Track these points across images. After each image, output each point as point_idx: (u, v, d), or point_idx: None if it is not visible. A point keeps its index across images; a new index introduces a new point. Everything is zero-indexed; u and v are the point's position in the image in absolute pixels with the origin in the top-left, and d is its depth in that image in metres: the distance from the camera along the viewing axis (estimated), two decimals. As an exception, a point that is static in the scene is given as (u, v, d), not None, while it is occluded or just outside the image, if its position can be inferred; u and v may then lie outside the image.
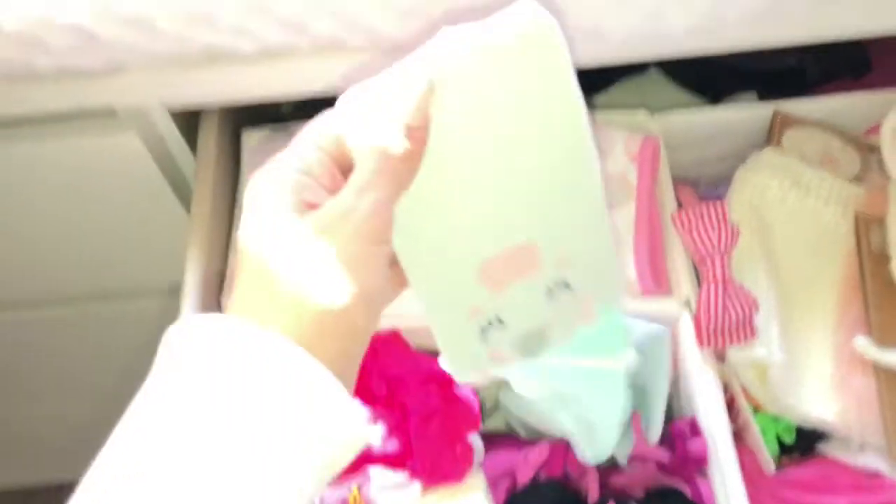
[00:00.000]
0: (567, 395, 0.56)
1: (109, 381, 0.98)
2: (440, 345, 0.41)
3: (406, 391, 0.57)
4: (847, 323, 0.65)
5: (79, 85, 0.62)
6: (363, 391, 0.60)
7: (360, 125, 0.33)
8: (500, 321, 0.40)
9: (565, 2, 0.54)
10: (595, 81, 0.84)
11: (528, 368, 0.45)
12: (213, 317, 0.31)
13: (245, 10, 0.55)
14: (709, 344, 0.61)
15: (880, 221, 0.68)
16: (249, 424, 0.29)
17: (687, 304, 0.64)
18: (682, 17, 0.57)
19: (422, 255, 0.37)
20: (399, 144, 0.32)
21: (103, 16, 0.54)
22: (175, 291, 0.65)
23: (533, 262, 0.39)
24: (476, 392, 0.59)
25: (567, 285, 0.41)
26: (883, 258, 0.66)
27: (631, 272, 0.65)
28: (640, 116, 0.73)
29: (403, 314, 0.61)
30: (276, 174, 0.32)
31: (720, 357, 0.64)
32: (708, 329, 0.61)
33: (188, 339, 0.30)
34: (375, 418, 0.57)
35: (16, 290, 0.87)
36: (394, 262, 0.36)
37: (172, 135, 0.70)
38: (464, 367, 0.42)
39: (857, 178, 0.71)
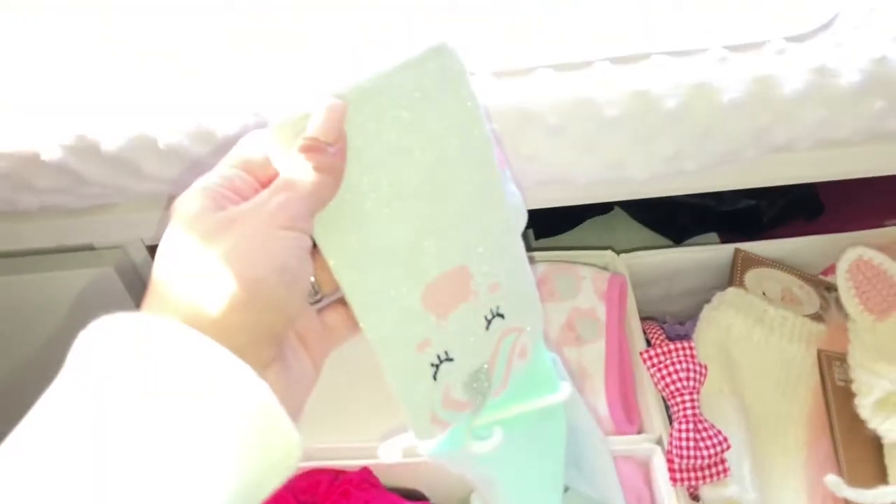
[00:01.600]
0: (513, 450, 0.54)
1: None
2: (395, 393, 0.41)
3: (378, 533, 0.56)
4: (817, 459, 0.66)
5: (60, 223, 0.64)
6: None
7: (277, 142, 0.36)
8: (448, 356, 0.41)
9: (537, 152, 0.58)
10: (562, 222, 0.88)
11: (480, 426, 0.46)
12: (116, 316, 0.31)
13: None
14: (682, 482, 0.61)
15: (842, 358, 0.70)
16: (151, 410, 0.29)
17: (659, 441, 0.64)
18: (642, 168, 0.60)
19: (367, 285, 0.38)
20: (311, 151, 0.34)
21: (87, 155, 0.56)
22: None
23: (467, 286, 0.41)
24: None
25: (501, 315, 0.43)
26: (848, 394, 0.67)
27: (603, 409, 0.66)
28: (608, 256, 0.76)
29: (373, 454, 0.61)
30: (201, 183, 0.34)
31: (694, 497, 0.64)
32: (680, 467, 0.61)
33: (90, 339, 0.30)
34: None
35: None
36: (343, 303, 0.38)
37: (149, 268, 0.71)
38: (421, 417, 0.42)
39: (818, 316, 0.74)
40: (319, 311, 0.39)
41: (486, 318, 0.42)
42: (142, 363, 0.30)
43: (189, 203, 0.34)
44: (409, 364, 0.41)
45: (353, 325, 0.39)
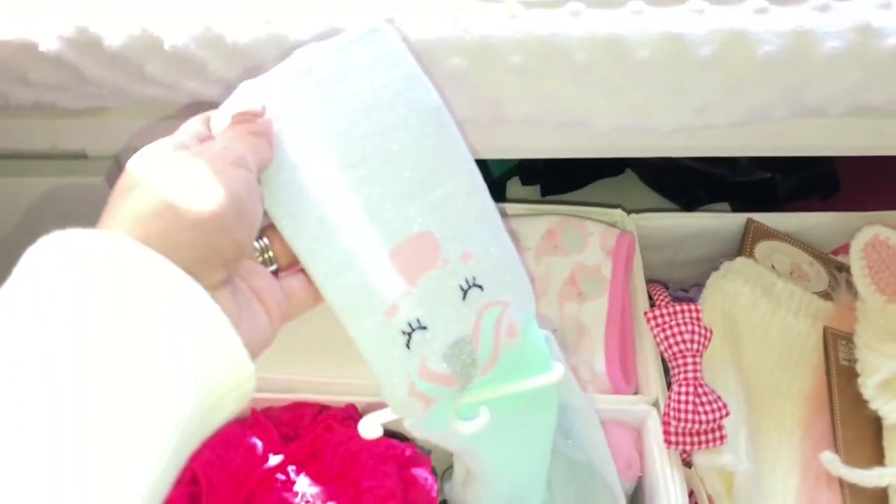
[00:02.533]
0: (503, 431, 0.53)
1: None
2: (368, 363, 0.41)
3: (361, 470, 0.54)
4: (813, 437, 0.64)
5: (53, 123, 0.61)
6: (316, 468, 0.57)
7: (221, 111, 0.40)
8: (420, 324, 0.41)
9: (559, 90, 0.55)
10: (571, 181, 0.86)
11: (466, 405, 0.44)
12: (66, 231, 0.31)
13: (236, 64, 0.54)
14: (676, 446, 0.59)
15: (848, 338, 0.68)
16: (97, 326, 0.28)
17: (655, 404, 0.63)
18: (668, 117, 0.58)
19: (325, 253, 0.40)
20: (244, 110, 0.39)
21: (88, 49, 0.53)
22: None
23: (435, 253, 0.42)
24: (434, 474, 0.56)
25: (479, 286, 0.43)
26: (851, 373, 0.65)
27: (600, 366, 0.64)
28: (617, 215, 0.73)
29: (359, 391, 0.59)
30: (157, 143, 0.37)
31: (686, 463, 0.62)
32: (677, 430, 0.59)
33: (38, 252, 0.30)
34: (327, 497, 0.54)
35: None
36: (303, 272, 0.40)
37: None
38: (397, 388, 0.42)
39: (826, 294, 0.72)
40: (279, 278, 0.40)
41: (461, 287, 0.42)
42: (89, 278, 0.29)
43: (151, 146, 0.37)
44: (377, 331, 0.41)
45: (315, 292, 0.40)
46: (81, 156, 0.65)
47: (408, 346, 0.41)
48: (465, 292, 0.42)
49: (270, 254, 0.40)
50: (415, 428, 0.44)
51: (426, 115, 0.42)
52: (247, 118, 0.39)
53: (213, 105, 0.49)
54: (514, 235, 0.70)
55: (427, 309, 0.41)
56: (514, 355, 0.44)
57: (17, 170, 0.64)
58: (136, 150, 0.36)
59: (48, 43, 0.53)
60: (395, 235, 0.41)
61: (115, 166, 0.65)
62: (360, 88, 0.41)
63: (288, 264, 0.40)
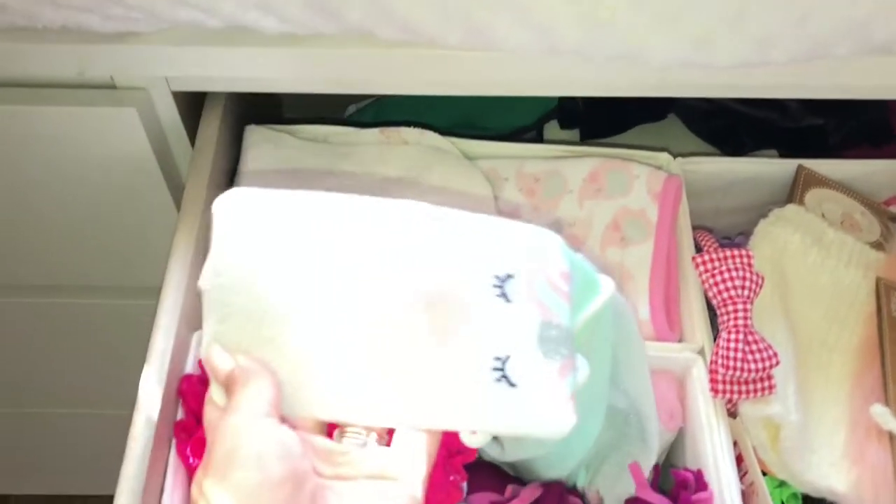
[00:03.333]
0: None
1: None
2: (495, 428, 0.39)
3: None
4: (863, 390, 0.62)
5: (82, 48, 0.58)
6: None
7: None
8: (502, 355, 0.38)
9: (614, 18, 0.52)
10: (612, 125, 0.83)
11: None
12: None
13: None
14: (723, 394, 0.57)
15: (902, 289, 0.65)
16: None
17: (701, 352, 0.60)
18: (728, 50, 0.55)
19: None
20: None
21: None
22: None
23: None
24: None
25: (509, 275, 0.39)
26: (905, 325, 0.63)
27: (644, 313, 0.62)
28: (662, 158, 0.71)
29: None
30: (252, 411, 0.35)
31: (731, 413, 0.60)
32: (724, 379, 0.57)
33: None
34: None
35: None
36: None
37: (173, 118, 0.66)
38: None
39: (878, 245, 0.69)
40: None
41: (498, 295, 0.39)
42: None
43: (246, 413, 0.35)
44: (486, 395, 0.38)
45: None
46: (110, 86, 0.63)
47: (511, 383, 0.38)
48: (504, 294, 0.39)
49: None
50: None
51: None
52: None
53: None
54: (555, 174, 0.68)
55: (493, 336, 0.38)
56: (576, 290, 0.41)
57: (44, 98, 0.62)
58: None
59: (78, -41, 0.50)
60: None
61: (146, 97, 0.63)
62: None
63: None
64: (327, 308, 0.37)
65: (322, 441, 0.38)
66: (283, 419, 0.36)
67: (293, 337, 0.37)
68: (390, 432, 0.39)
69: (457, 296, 0.38)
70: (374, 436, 0.38)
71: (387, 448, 0.38)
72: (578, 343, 0.42)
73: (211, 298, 0.37)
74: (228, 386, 0.36)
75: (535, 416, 0.38)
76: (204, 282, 0.38)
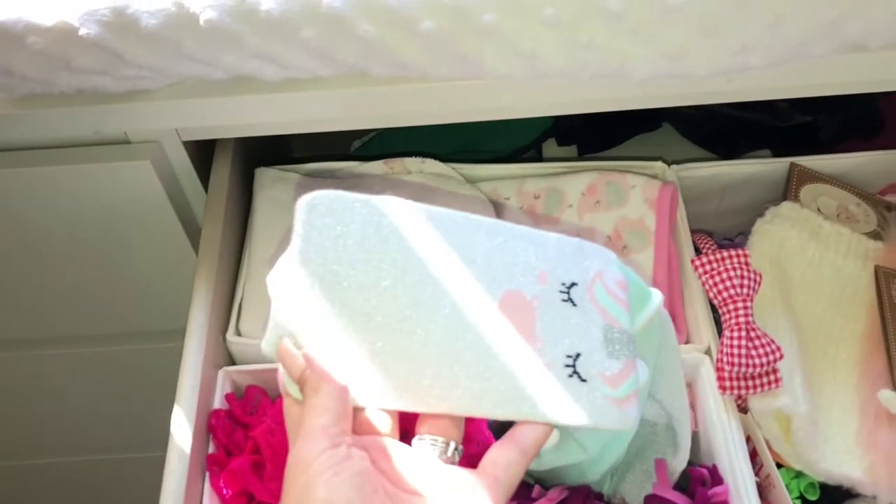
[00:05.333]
0: None
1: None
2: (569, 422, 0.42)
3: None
4: (870, 377, 0.64)
5: (96, 109, 0.62)
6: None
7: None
8: (573, 353, 0.42)
9: (595, 39, 0.55)
10: (609, 139, 0.85)
11: None
12: None
13: (272, 34, 0.55)
14: (731, 391, 0.59)
15: (901, 276, 0.67)
16: None
17: (707, 351, 0.62)
18: (705, 61, 0.57)
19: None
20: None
21: (128, 32, 0.54)
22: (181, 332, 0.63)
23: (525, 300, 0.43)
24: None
25: (573, 283, 0.44)
26: (906, 311, 0.64)
27: (649, 318, 0.64)
28: (658, 167, 0.73)
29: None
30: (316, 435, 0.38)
31: (742, 409, 0.62)
32: (730, 376, 0.59)
33: None
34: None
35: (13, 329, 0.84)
36: None
37: (185, 167, 0.69)
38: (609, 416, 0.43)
39: (875, 234, 0.71)
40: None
41: (564, 300, 0.43)
42: None
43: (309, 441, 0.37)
44: (560, 385, 0.41)
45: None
46: (124, 141, 0.66)
47: (582, 378, 0.42)
48: (570, 299, 0.43)
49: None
50: None
51: None
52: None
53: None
54: (553, 192, 0.70)
55: (564, 335, 0.42)
56: (633, 299, 0.45)
57: (62, 158, 0.66)
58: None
59: (87, 27, 0.54)
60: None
61: (159, 150, 0.66)
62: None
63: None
64: (403, 304, 0.41)
65: (396, 449, 0.39)
66: (357, 420, 0.39)
67: (369, 331, 0.40)
68: (466, 440, 0.42)
69: (530, 299, 0.42)
70: (453, 444, 0.40)
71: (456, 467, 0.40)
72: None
73: (283, 289, 0.40)
74: (301, 385, 0.39)
75: (605, 410, 0.41)
76: (277, 274, 0.41)
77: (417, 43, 0.55)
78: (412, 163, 0.73)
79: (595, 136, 0.84)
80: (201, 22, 0.53)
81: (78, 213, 0.71)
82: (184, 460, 0.54)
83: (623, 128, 0.84)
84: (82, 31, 0.54)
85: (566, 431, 0.44)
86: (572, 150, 0.85)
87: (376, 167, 0.74)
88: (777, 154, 0.82)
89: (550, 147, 0.86)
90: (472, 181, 0.73)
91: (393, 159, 0.74)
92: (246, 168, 0.75)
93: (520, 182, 0.72)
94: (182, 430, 0.55)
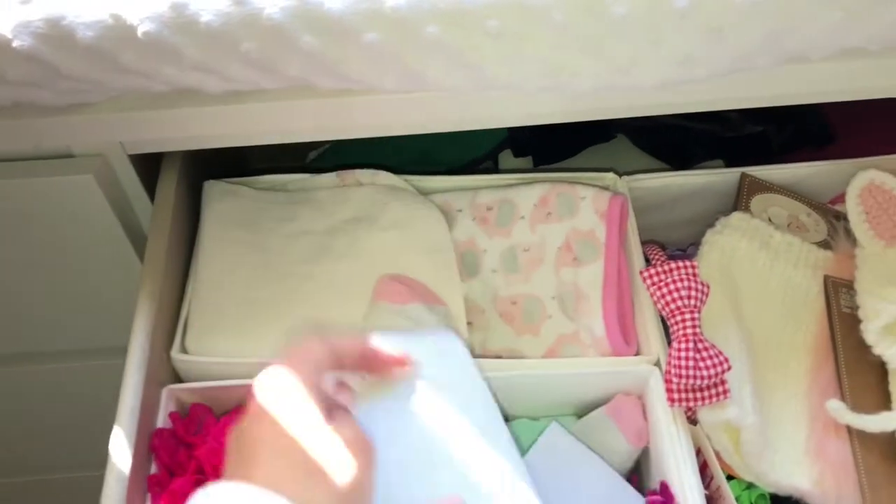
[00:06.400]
0: None
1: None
2: None
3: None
4: (820, 386, 0.64)
5: (36, 123, 0.60)
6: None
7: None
8: None
9: (540, 52, 0.55)
10: (562, 150, 0.85)
11: None
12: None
13: (212, 46, 0.54)
14: (679, 403, 0.59)
15: (849, 285, 0.67)
16: None
17: (657, 363, 0.62)
18: (650, 72, 0.57)
19: None
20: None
21: (63, 44, 0.53)
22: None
23: None
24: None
25: None
26: (853, 321, 0.65)
27: (599, 330, 0.64)
28: (609, 178, 0.73)
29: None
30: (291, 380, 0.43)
31: (692, 421, 0.62)
32: (679, 388, 0.59)
33: None
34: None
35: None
36: None
37: (132, 181, 0.68)
38: None
39: (825, 244, 0.71)
40: None
41: None
42: None
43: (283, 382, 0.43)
44: None
45: None
46: (67, 154, 0.65)
47: None
48: None
49: None
50: None
51: None
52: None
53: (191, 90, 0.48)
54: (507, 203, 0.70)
55: None
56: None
57: (2, 172, 0.64)
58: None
59: (21, 39, 0.52)
60: None
61: (103, 163, 0.65)
62: None
63: None
64: None
65: None
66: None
67: None
68: None
69: None
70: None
71: None
72: None
73: None
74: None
75: None
76: None
77: (361, 55, 0.55)
78: (364, 175, 0.73)
79: (549, 147, 0.84)
80: (139, 34, 0.52)
81: (21, 228, 0.69)
82: (122, 481, 0.53)
83: (577, 139, 0.84)
84: (16, 43, 0.52)
85: None
86: (528, 161, 0.85)
87: (328, 180, 0.73)
88: (730, 164, 0.83)
89: (507, 158, 0.86)
90: (425, 193, 0.72)
91: (345, 171, 0.73)
92: (197, 179, 0.74)
93: (472, 194, 0.72)
94: (121, 451, 0.54)
